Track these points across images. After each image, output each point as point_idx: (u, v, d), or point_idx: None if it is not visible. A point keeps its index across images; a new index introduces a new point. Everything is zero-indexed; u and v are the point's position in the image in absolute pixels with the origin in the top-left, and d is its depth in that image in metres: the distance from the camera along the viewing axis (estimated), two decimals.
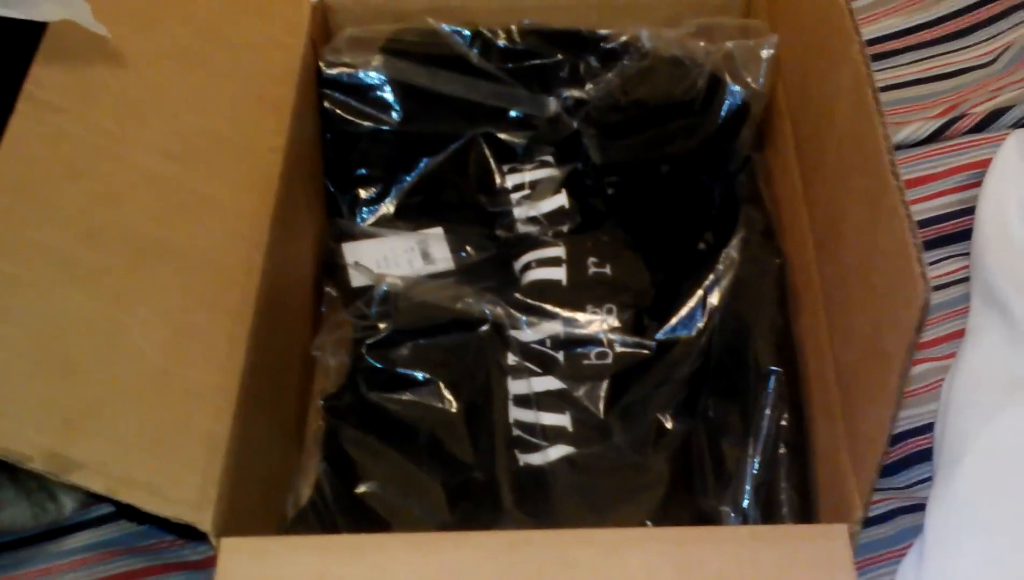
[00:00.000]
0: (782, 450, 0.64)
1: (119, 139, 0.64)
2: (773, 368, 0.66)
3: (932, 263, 0.82)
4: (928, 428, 0.73)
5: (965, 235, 0.81)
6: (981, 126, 0.87)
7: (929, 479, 0.70)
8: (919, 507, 0.69)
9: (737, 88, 0.76)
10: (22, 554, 0.69)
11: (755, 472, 0.64)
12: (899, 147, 0.87)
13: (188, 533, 0.64)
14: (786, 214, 0.73)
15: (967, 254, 0.81)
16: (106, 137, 0.64)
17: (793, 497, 0.63)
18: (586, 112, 0.80)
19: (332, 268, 0.78)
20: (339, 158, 0.81)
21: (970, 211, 0.82)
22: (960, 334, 0.76)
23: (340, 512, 0.67)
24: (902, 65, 0.93)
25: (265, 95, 0.72)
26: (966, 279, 0.80)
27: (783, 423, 0.65)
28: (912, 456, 0.73)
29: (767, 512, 0.64)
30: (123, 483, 0.55)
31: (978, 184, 0.82)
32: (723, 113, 0.76)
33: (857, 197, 0.57)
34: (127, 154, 0.64)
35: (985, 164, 0.83)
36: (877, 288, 0.54)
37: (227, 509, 0.57)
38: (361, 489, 0.68)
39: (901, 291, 0.50)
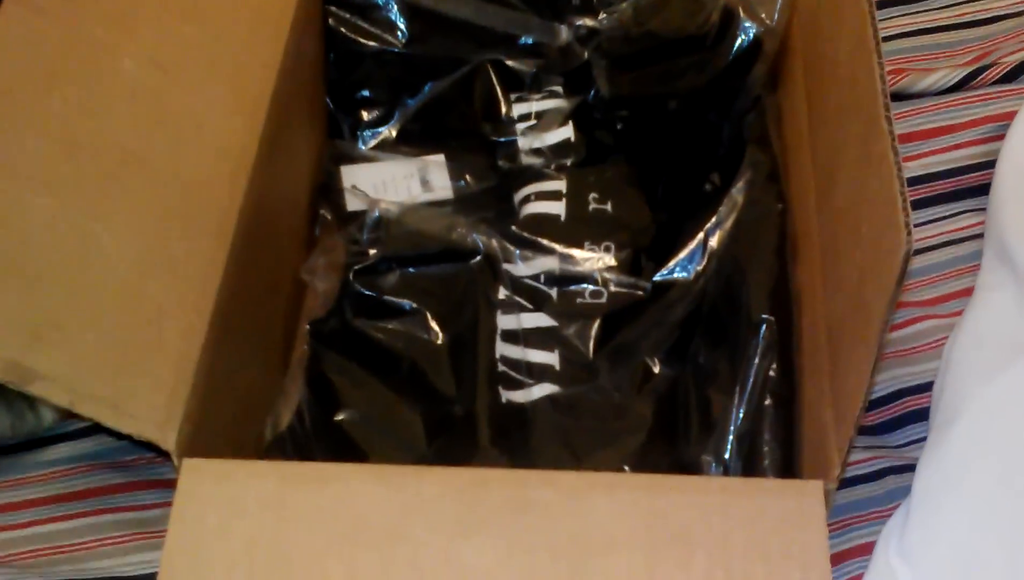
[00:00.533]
0: (768, 401, 0.63)
1: (105, 47, 0.62)
2: (765, 317, 0.64)
3: (949, 217, 0.79)
4: (928, 386, 0.70)
5: (985, 189, 0.78)
6: (1010, 77, 0.83)
7: (923, 439, 0.68)
8: (910, 467, 0.67)
9: (751, 24, 0.73)
10: None
11: (739, 422, 0.63)
12: (924, 94, 0.84)
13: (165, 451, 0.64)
14: (792, 158, 0.71)
15: (985, 209, 0.78)
16: (92, 44, 0.62)
17: (775, 449, 0.62)
18: (597, 42, 0.77)
19: (328, 191, 0.77)
20: (342, 79, 0.79)
21: (992, 164, 0.79)
22: (970, 292, 0.74)
23: (317, 439, 0.66)
24: (934, 9, 0.90)
25: (263, 9, 0.70)
26: (981, 235, 0.77)
27: (771, 374, 0.63)
28: (909, 415, 0.70)
29: (748, 463, 0.62)
30: (85, 397, 0.54)
31: (1002, 136, 0.79)
32: (735, 49, 0.73)
33: (852, 143, 0.55)
34: (113, 63, 0.62)
35: (1011, 116, 0.79)
36: (864, 238, 0.52)
37: (194, 430, 0.57)
38: (340, 417, 0.67)
39: (885, 241, 0.48)
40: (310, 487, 0.54)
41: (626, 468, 0.64)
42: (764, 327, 0.64)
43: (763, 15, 0.73)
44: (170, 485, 0.67)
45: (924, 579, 0.61)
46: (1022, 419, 0.65)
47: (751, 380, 0.63)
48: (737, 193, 0.70)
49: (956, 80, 0.83)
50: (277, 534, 0.53)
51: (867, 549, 0.65)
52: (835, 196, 0.58)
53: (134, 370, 0.56)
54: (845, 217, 0.56)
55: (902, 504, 0.65)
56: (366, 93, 0.79)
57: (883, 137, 0.49)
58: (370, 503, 0.54)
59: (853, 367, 0.52)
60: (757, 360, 0.64)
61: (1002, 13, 0.89)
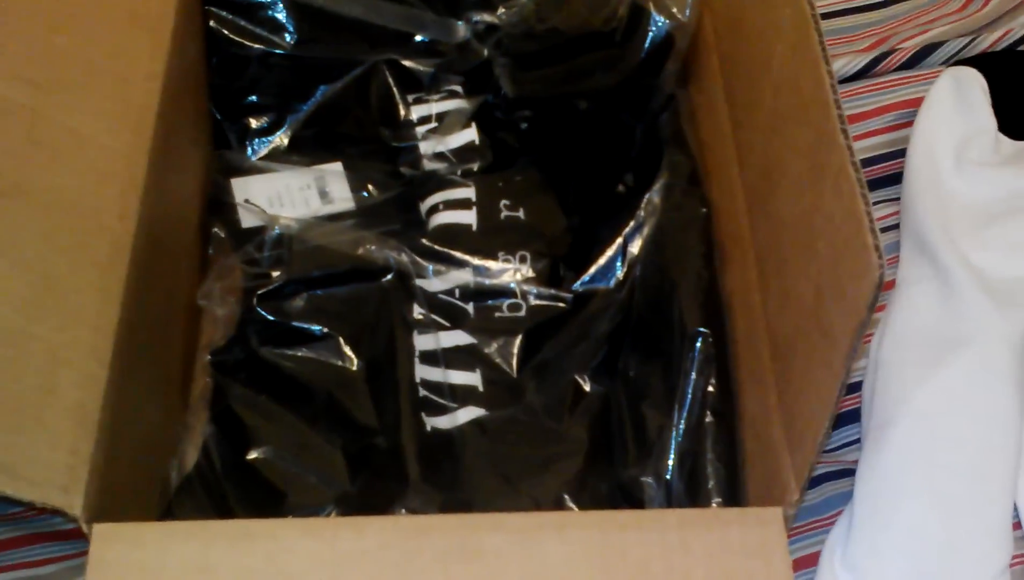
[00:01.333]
0: (708, 418, 0.60)
1: None
2: (701, 329, 0.62)
3: None
4: (857, 387, 0.69)
5: (896, 179, 0.77)
6: (912, 63, 0.82)
7: (857, 442, 0.67)
8: (847, 472, 0.65)
9: (661, 19, 0.70)
10: None
11: (679, 441, 0.60)
12: None
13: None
14: (712, 158, 0.68)
15: (897, 200, 0.76)
16: None
17: (719, 469, 0.59)
18: (498, 39, 0.73)
19: (219, 206, 0.71)
20: (227, 84, 0.74)
21: (901, 153, 0.78)
22: (890, 286, 0.72)
23: (229, 480, 0.61)
24: None
25: (140, 14, 0.64)
26: (896, 226, 0.76)
27: (710, 389, 0.61)
28: (839, 417, 0.69)
29: (691, 484, 0.59)
30: None
31: (909, 124, 0.78)
32: (646, 46, 0.70)
33: (797, 150, 0.52)
34: None
35: (916, 103, 0.79)
36: (820, 254, 0.49)
37: (100, 488, 0.51)
38: (252, 455, 0.62)
39: (850, 263, 0.45)
40: (237, 547, 0.50)
41: (565, 495, 0.60)
42: (700, 340, 0.61)
43: (674, 9, 0.70)
44: (63, 537, 0.63)
45: None
46: (957, 421, 0.64)
47: (689, 397, 0.61)
48: (655, 196, 0.67)
49: (859, 67, 0.82)
50: None
51: (811, 561, 0.63)
52: (778, 205, 0.56)
53: (30, 428, 0.51)
54: (794, 230, 0.53)
55: (844, 512, 0.64)
56: (253, 99, 0.74)
57: (840, 150, 0.47)
58: (304, 559, 0.49)
59: (812, 389, 0.50)
60: (694, 375, 0.61)
61: None
